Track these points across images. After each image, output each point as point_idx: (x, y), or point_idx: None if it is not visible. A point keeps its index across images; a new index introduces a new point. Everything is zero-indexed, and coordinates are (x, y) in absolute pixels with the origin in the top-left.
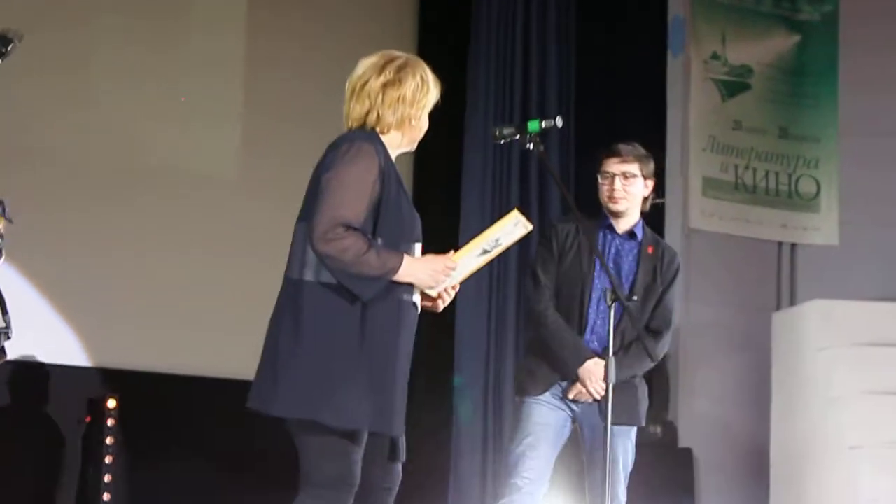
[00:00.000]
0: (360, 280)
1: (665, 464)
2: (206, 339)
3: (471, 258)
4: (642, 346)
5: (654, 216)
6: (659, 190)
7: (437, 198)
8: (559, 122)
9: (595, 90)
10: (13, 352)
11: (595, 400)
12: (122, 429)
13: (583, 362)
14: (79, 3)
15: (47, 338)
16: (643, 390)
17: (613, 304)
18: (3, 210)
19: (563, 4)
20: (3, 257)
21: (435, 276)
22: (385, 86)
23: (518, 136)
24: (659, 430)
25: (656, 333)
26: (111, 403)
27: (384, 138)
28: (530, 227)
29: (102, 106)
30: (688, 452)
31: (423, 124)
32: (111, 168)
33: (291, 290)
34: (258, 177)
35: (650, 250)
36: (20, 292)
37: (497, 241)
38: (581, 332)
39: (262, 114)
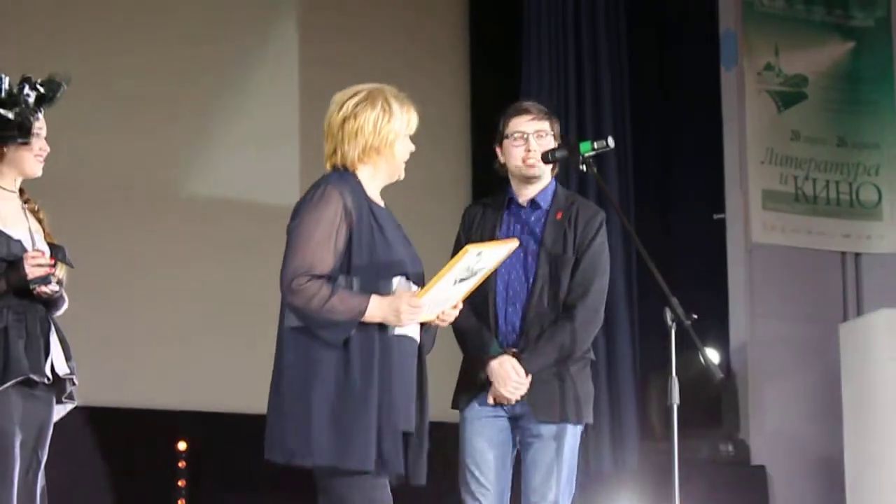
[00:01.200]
0: (329, 326)
1: (738, 482)
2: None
3: (438, 292)
4: (554, 330)
5: (715, 232)
6: (719, 205)
7: None
8: (611, 142)
9: (649, 109)
10: (80, 397)
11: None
12: (193, 471)
13: (486, 364)
14: (143, 36)
15: (116, 382)
16: (577, 383)
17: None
18: (64, 256)
19: (613, 25)
20: (67, 304)
21: (399, 316)
22: (344, 121)
23: (570, 158)
24: (731, 448)
25: (570, 308)
26: (181, 446)
27: (358, 175)
28: (514, 243)
29: (158, 135)
30: (761, 470)
31: (399, 153)
32: (177, 200)
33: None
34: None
35: (558, 216)
36: (84, 336)
37: (468, 269)
38: (496, 323)
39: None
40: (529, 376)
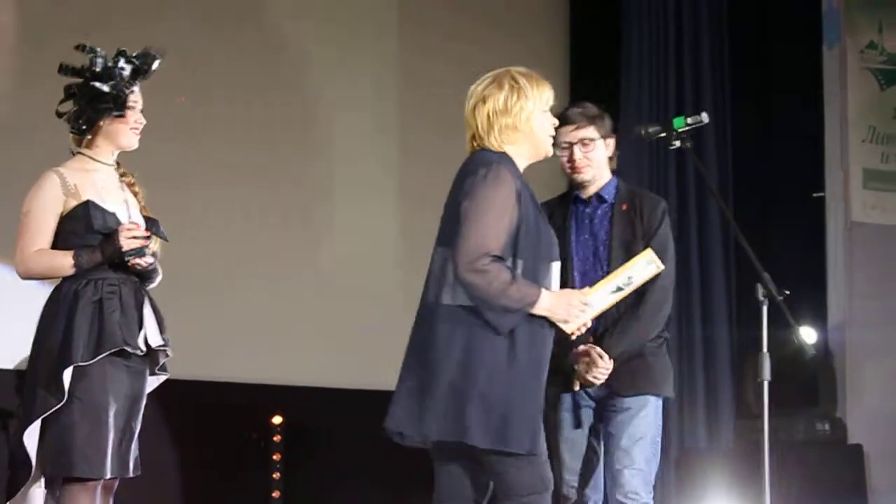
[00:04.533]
0: (501, 312)
1: (835, 461)
2: (367, 352)
3: (604, 294)
4: (630, 315)
5: (815, 211)
6: (818, 184)
7: None
8: (705, 118)
9: (750, 86)
10: (176, 370)
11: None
12: (289, 445)
13: (567, 353)
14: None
15: (210, 356)
16: (655, 359)
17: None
18: (158, 229)
19: (714, 4)
20: (161, 276)
21: (569, 310)
22: (475, 107)
23: (664, 134)
24: (827, 426)
25: (642, 293)
26: (277, 420)
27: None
28: (662, 266)
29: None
30: (858, 449)
31: (539, 129)
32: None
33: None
34: (413, 189)
35: (624, 208)
36: (181, 310)
37: (629, 278)
38: None
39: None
40: (612, 361)
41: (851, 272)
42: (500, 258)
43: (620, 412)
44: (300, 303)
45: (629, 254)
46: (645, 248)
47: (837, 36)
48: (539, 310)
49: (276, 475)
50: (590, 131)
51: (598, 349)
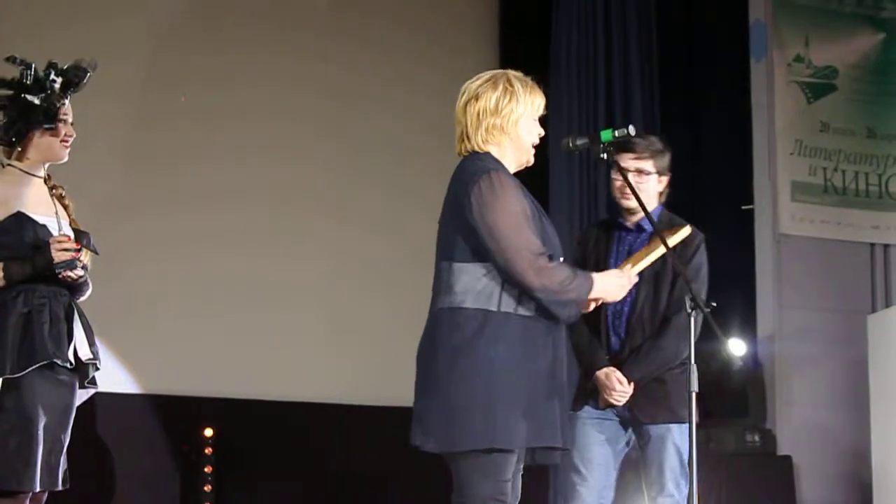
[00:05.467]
0: (568, 304)
1: (764, 472)
2: (301, 365)
3: (643, 267)
4: (654, 341)
5: (743, 223)
6: (747, 196)
7: None
8: (632, 130)
9: (679, 100)
10: (106, 383)
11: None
12: (220, 457)
13: (593, 374)
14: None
15: (142, 369)
16: (677, 386)
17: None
18: (89, 242)
19: (643, 14)
20: (91, 289)
21: (623, 290)
22: (467, 104)
23: (590, 146)
24: (757, 438)
25: (667, 321)
26: (208, 432)
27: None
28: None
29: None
30: (787, 460)
31: (525, 133)
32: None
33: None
34: (332, 200)
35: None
36: (113, 322)
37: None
38: (606, 334)
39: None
40: (632, 384)
41: (780, 284)
42: (548, 255)
43: (647, 441)
44: (233, 315)
45: (658, 284)
46: (674, 278)
47: (765, 49)
48: (595, 294)
49: (208, 488)
50: (647, 164)
51: (619, 374)
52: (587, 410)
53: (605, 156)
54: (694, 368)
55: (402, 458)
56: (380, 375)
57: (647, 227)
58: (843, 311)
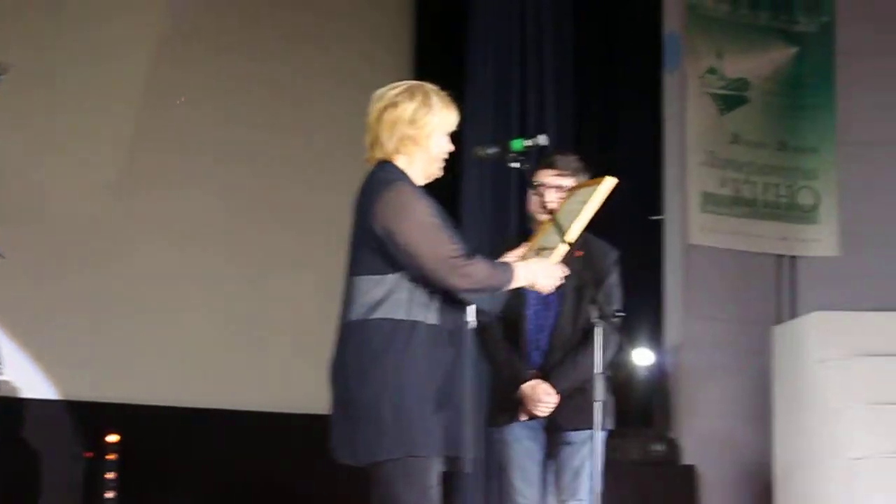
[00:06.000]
0: (490, 293)
1: (668, 481)
2: (206, 371)
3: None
4: (577, 353)
5: (652, 233)
6: (657, 206)
7: None
8: (542, 140)
9: (592, 108)
10: (6, 388)
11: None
12: (124, 464)
13: (516, 387)
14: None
15: (46, 373)
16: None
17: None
18: None
19: (558, 24)
20: None
21: (551, 275)
22: (383, 110)
23: (501, 155)
24: (662, 447)
25: (589, 333)
26: (112, 438)
27: (397, 165)
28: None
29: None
30: (690, 469)
31: (435, 147)
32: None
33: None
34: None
35: (577, 254)
36: (17, 328)
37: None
38: (526, 348)
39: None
40: (557, 395)
41: (688, 294)
42: (464, 254)
43: (567, 446)
44: (139, 320)
45: (579, 299)
46: (594, 297)
47: (678, 60)
48: (522, 282)
49: (111, 494)
50: (568, 181)
51: (546, 386)
52: (518, 427)
53: (516, 164)
54: (599, 378)
55: (308, 465)
56: (287, 382)
57: None
58: (749, 322)
